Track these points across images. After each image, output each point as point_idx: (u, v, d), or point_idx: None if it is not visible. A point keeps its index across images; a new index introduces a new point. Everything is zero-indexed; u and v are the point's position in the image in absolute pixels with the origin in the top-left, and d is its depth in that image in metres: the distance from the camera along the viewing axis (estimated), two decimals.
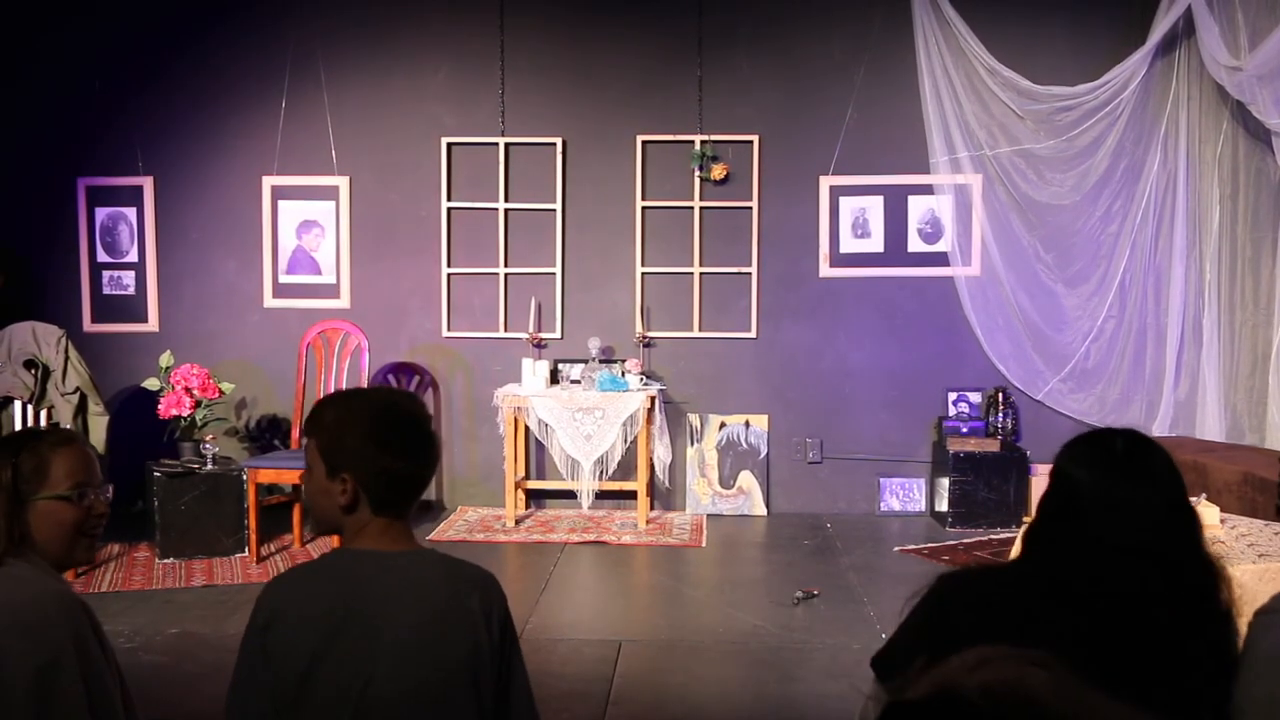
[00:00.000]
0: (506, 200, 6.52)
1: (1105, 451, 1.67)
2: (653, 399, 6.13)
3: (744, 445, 6.50)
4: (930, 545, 5.74)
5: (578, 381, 6.17)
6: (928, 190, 6.37)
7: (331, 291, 6.59)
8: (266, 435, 6.54)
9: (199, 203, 6.60)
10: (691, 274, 6.50)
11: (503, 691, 1.87)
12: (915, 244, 6.46)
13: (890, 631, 1.80)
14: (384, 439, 1.83)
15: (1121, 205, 6.24)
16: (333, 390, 5.89)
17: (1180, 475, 1.69)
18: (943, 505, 6.18)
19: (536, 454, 6.50)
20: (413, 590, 1.82)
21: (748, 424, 6.51)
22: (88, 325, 6.59)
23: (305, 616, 1.81)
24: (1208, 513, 3.96)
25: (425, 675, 1.78)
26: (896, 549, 5.67)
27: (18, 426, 5.43)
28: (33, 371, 5.50)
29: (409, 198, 6.57)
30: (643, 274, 6.51)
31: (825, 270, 6.48)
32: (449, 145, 6.51)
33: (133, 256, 6.63)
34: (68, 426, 5.49)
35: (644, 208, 6.48)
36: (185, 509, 5.41)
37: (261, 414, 6.58)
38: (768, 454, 6.50)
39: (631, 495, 6.29)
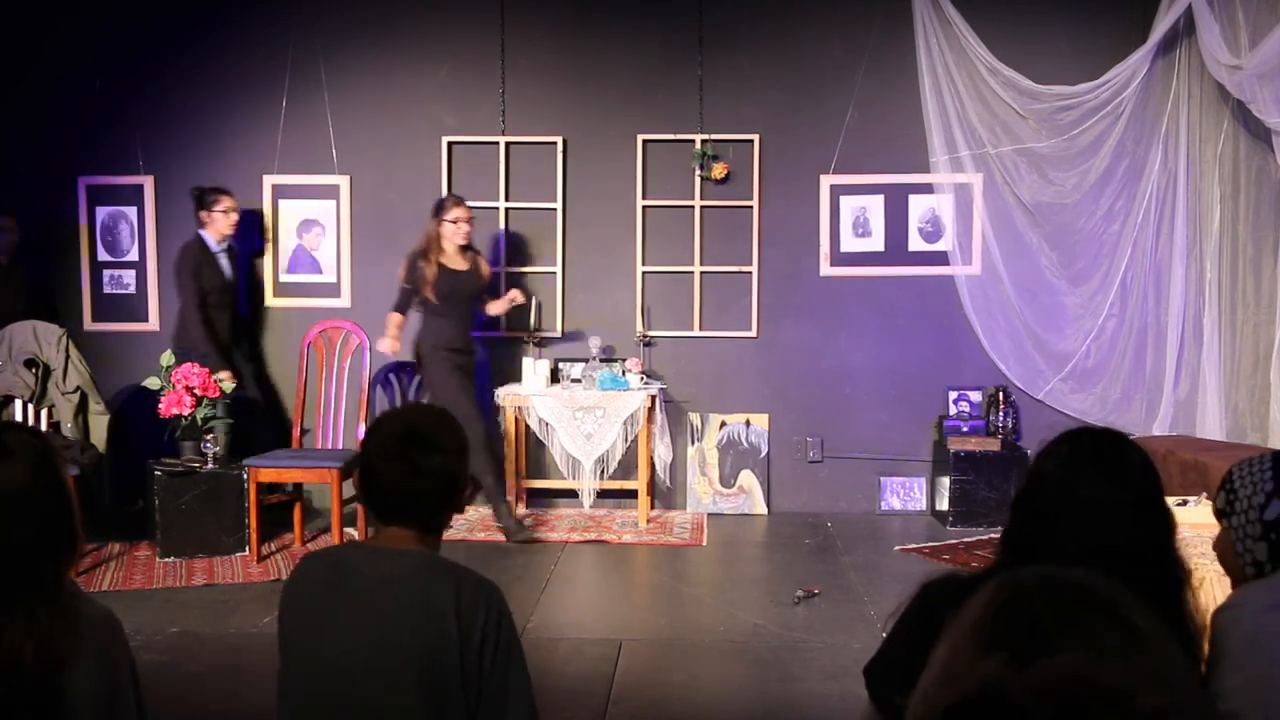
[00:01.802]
0: (507, 199, 6.52)
1: (1073, 450, 1.67)
2: (653, 398, 6.13)
3: (745, 444, 6.50)
4: (931, 544, 5.74)
5: (578, 380, 6.17)
6: (928, 189, 6.37)
7: (332, 291, 6.59)
8: None
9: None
10: (692, 273, 6.50)
11: (493, 698, 1.88)
12: (916, 243, 6.46)
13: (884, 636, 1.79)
14: (374, 445, 1.94)
15: (1123, 204, 6.24)
16: (333, 389, 5.91)
17: (1155, 474, 1.68)
18: (943, 504, 6.18)
19: (537, 453, 6.50)
20: (385, 585, 1.87)
21: (748, 423, 6.51)
22: (88, 324, 6.59)
23: (298, 601, 1.94)
24: (1207, 512, 3.96)
25: (381, 667, 1.83)
26: (897, 548, 5.67)
27: None
28: (33, 370, 5.51)
29: (410, 197, 6.57)
30: (643, 273, 6.51)
31: (826, 269, 6.48)
32: (449, 144, 6.51)
33: (133, 255, 6.64)
34: (69, 426, 5.49)
35: (644, 207, 6.48)
36: (186, 508, 5.41)
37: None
38: (768, 453, 6.50)
39: (632, 494, 6.29)
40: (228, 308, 6.10)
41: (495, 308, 6.07)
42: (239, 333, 6.27)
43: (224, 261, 6.10)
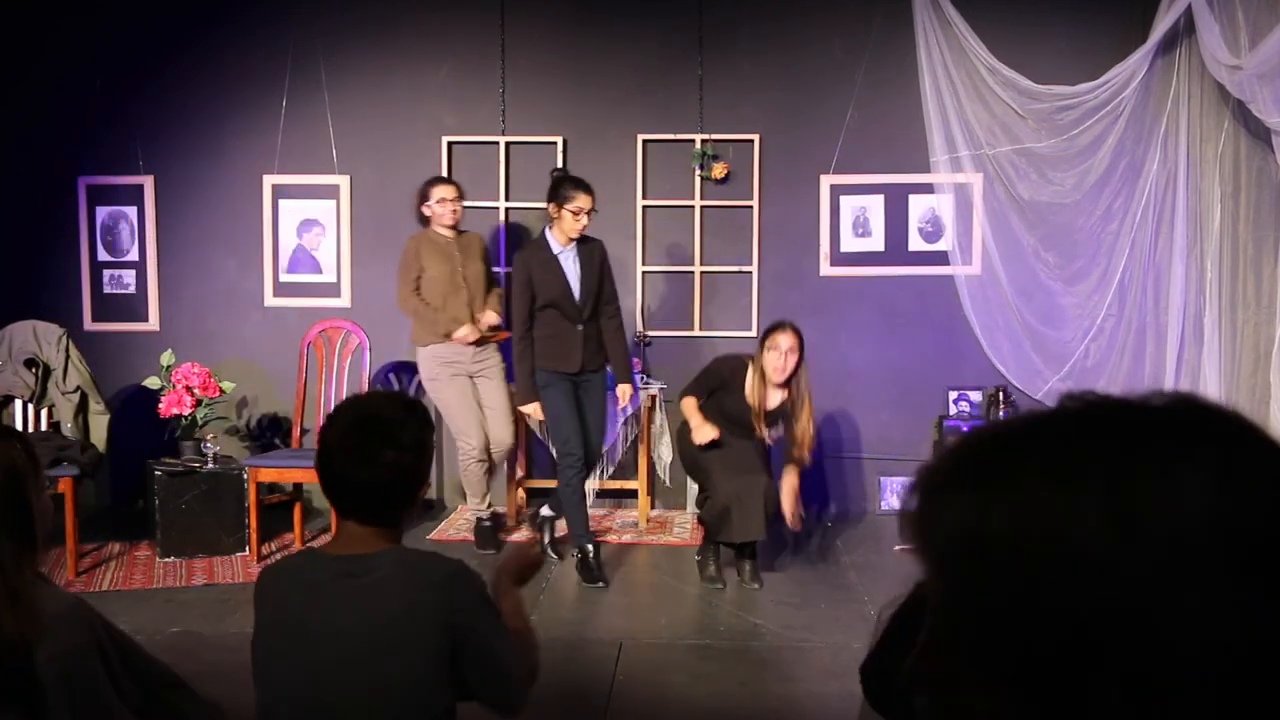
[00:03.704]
0: (507, 199, 6.52)
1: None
2: (654, 398, 6.12)
3: None
4: None
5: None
6: (928, 189, 6.37)
7: (332, 290, 6.59)
8: (267, 434, 6.54)
9: (199, 202, 6.61)
10: (692, 273, 6.50)
11: (476, 665, 1.89)
12: (916, 243, 6.46)
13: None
14: (331, 433, 1.88)
15: (1122, 204, 6.24)
16: (333, 389, 5.90)
17: None
18: None
19: (537, 453, 6.50)
20: (364, 595, 1.82)
21: None
22: (88, 324, 6.59)
23: (268, 616, 1.89)
24: None
25: (374, 680, 1.79)
26: (897, 548, 5.67)
27: (18, 426, 5.43)
28: (33, 370, 5.50)
29: (409, 197, 6.55)
30: (643, 273, 6.50)
31: (826, 269, 6.48)
32: (450, 144, 6.51)
33: (133, 255, 6.64)
34: (69, 426, 5.49)
35: (644, 206, 6.48)
36: (186, 508, 5.41)
37: (262, 413, 6.58)
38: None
39: (632, 494, 6.29)
40: (576, 320, 5.09)
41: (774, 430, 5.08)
42: (595, 352, 5.19)
43: (569, 266, 5.07)
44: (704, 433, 4.91)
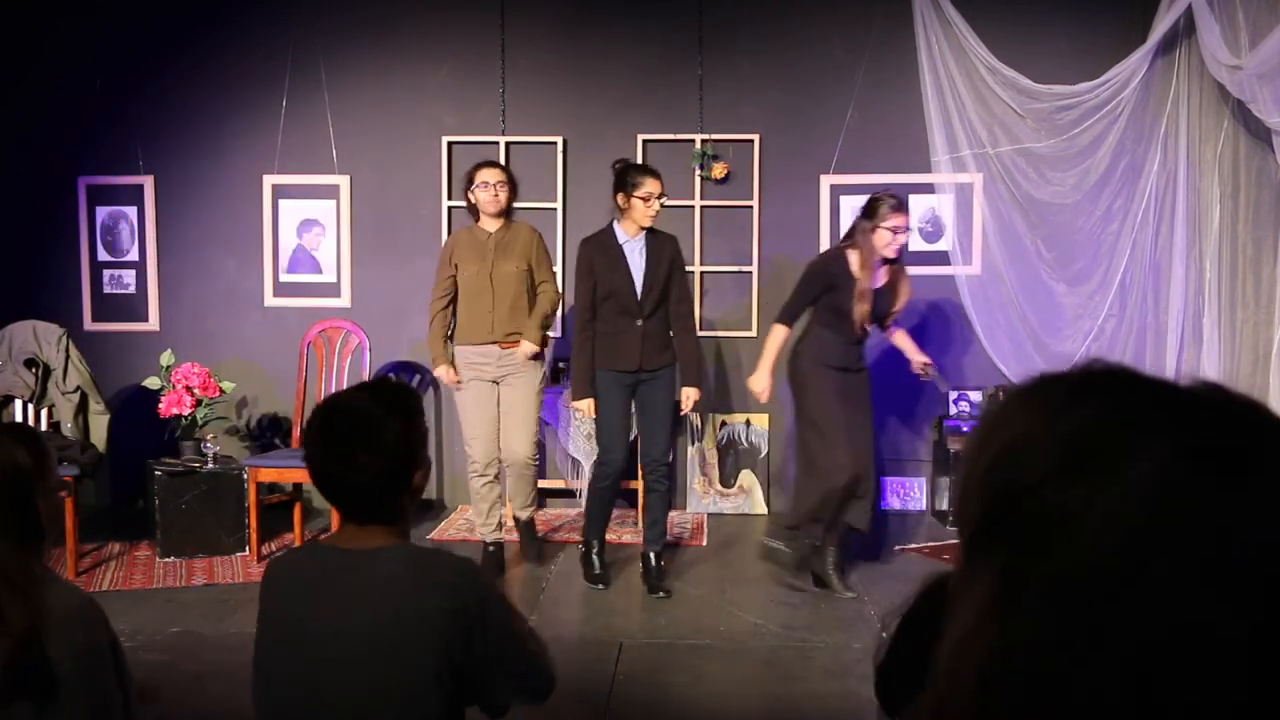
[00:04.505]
0: None
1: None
2: None
3: (745, 444, 6.50)
4: (931, 544, 5.74)
5: None
6: (928, 189, 6.37)
7: (332, 290, 6.60)
8: (267, 434, 6.54)
9: (199, 202, 6.61)
10: (692, 272, 6.49)
11: (489, 669, 1.86)
12: (916, 243, 6.46)
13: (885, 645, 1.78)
14: (311, 434, 1.84)
15: (1122, 204, 6.24)
16: (333, 389, 5.90)
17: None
18: (944, 504, 6.18)
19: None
20: (368, 592, 1.79)
21: (748, 423, 6.51)
22: (88, 324, 6.59)
23: (271, 610, 1.89)
24: None
25: (375, 679, 1.77)
26: (897, 548, 5.67)
27: None
28: (33, 370, 5.50)
29: (409, 197, 6.57)
30: None
31: None
32: (450, 144, 6.51)
33: (133, 255, 6.64)
34: (69, 426, 5.49)
35: None
36: (186, 508, 5.41)
37: (262, 413, 6.58)
38: (768, 453, 6.50)
39: (632, 494, 6.28)
40: (636, 316, 4.80)
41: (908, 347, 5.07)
42: (657, 351, 4.86)
43: (634, 257, 4.80)
44: (761, 385, 4.82)
